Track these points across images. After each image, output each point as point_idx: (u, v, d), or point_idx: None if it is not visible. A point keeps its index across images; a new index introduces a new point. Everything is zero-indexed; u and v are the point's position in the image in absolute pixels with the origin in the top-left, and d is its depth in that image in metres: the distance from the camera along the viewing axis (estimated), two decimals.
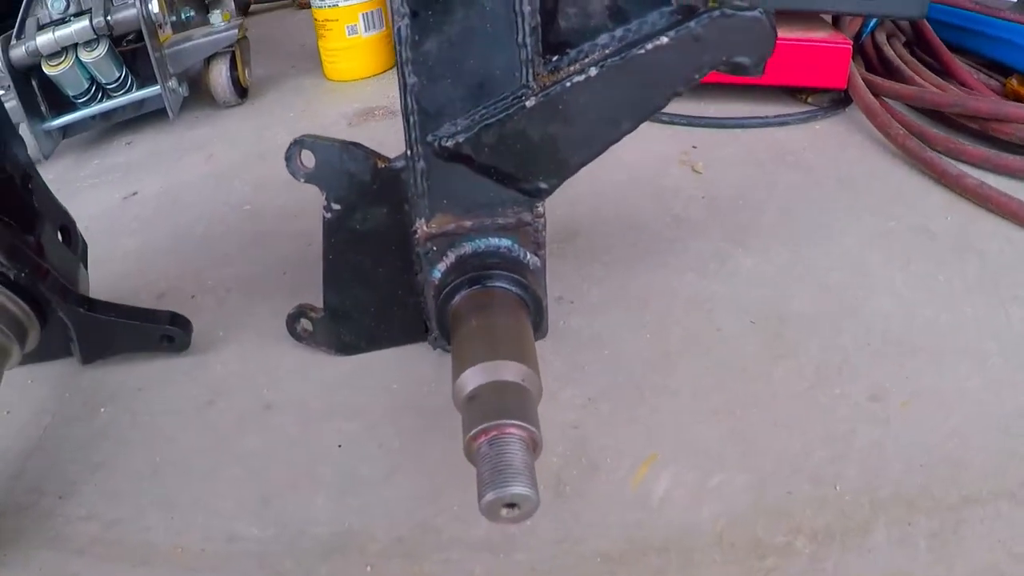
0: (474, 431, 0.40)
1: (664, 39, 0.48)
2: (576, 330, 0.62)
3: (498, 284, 0.52)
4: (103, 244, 0.80)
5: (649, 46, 0.48)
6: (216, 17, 1.08)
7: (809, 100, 0.95)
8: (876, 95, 0.91)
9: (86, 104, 1.05)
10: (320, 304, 0.60)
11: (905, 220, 0.74)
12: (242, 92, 1.14)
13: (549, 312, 0.59)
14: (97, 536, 0.51)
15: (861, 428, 0.52)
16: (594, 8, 0.51)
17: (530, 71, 0.49)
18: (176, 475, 0.54)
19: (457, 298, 0.52)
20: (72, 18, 1.00)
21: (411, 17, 0.48)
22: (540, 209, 0.54)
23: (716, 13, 0.48)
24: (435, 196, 0.53)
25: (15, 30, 1.02)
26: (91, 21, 0.98)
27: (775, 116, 0.91)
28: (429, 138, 0.51)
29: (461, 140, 0.50)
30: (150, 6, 1.01)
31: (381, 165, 0.54)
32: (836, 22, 1.00)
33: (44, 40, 0.98)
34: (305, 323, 0.61)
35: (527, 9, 0.48)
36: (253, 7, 1.65)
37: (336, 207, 0.55)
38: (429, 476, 0.51)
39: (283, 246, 0.76)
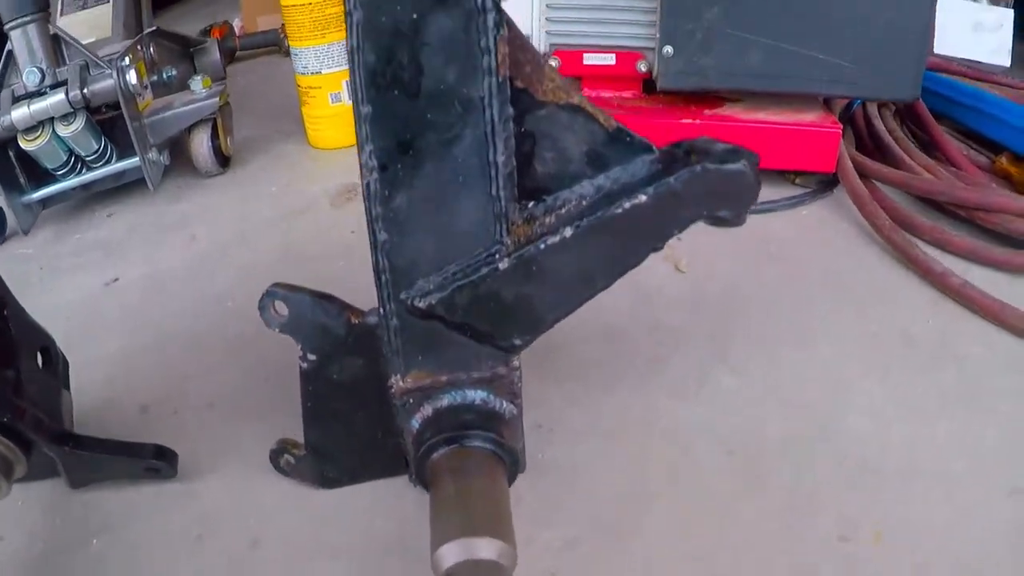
0: None
1: (643, 197, 0.49)
2: (554, 462, 0.64)
3: (475, 444, 0.53)
4: (85, 341, 0.82)
5: (627, 204, 0.49)
6: (197, 84, 1.09)
7: (797, 181, 0.96)
8: (865, 177, 0.92)
9: (65, 176, 1.06)
10: (302, 437, 0.62)
11: (887, 323, 0.75)
12: (224, 161, 1.15)
13: (528, 442, 0.60)
14: None
15: (827, 569, 0.54)
16: (572, 154, 0.52)
17: (504, 225, 0.50)
18: None
19: (435, 456, 0.53)
20: (48, 90, 1.01)
21: (380, 171, 0.49)
22: (516, 362, 0.55)
23: (698, 168, 0.49)
24: (409, 353, 0.54)
25: None
26: (67, 94, 0.99)
27: (762, 203, 0.92)
28: (402, 296, 0.52)
29: (434, 301, 0.51)
30: (128, 77, 1.01)
31: (355, 320, 0.55)
32: (826, 99, 1.01)
33: (19, 115, 0.99)
34: (288, 457, 0.62)
35: (501, 159, 0.49)
36: (239, 53, 1.65)
37: (312, 358, 0.56)
38: None
39: (265, 352, 0.77)
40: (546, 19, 0.95)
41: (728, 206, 0.50)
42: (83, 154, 1.05)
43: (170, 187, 1.13)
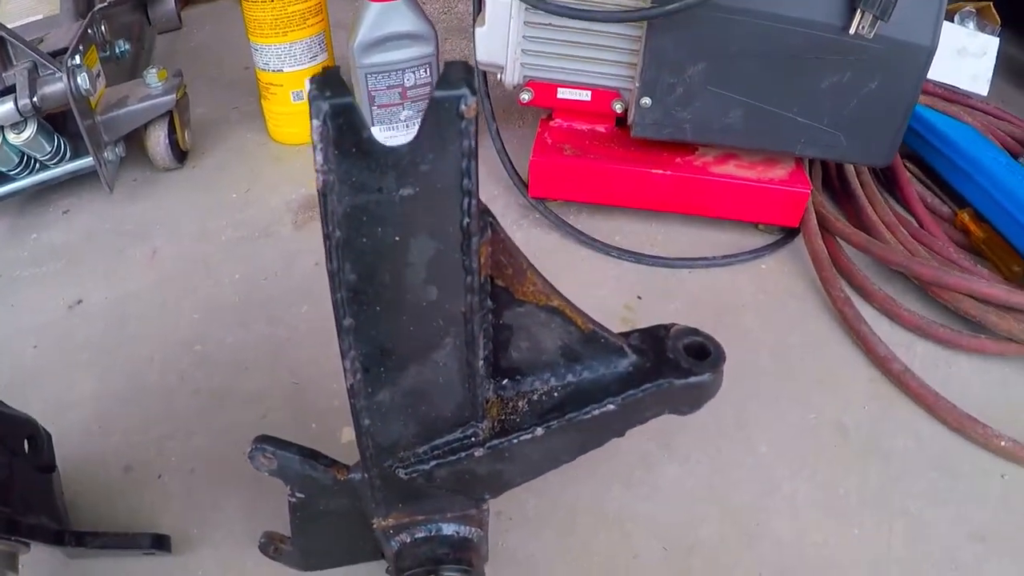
0: None
1: (611, 406, 0.56)
2: (511, 551, 0.74)
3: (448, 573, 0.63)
4: (56, 379, 0.87)
5: (596, 412, 0.57)
6: (152, 77, 1.07)
7: (760, 227, 1.02)
8: (826, 230, 0.98)
9: (19, 176, 1.05)
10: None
11: (825, 412, 0.85)
12: (181, 156, 1.14)
13: (490, 528, 0.70)
14: None
15: None
16: (547, 347, 0.59)
17: (479, 410, 0.57)
18: None
19: None
20: None
21: (363, 373, 0.55)
22: (485, 506, 0.64)
23: (665, 384, 0.56)
24: (390, 502, 0.62)
25: None
26: (16, 103, 0.97)
27: (725, 256, 0.98)
28: (385, 464, 0.59)
29: (415, 473, 0.59)
30: (79, 80, 0.99)
31: (340, 477, 0.62)
32: None
33: None
34: (273, 548, 0.71)
35: (480, 362, 0.55)
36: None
37: (300, 495, 0.64)
38: None
39: (240, 413, 0.84)
40: (522, 51, 0.95)
41: (689, 406, 0.58)
42: (37, 156, 1.04)
43: (127, 182, 1.13)
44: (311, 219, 1.06)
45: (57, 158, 1.06)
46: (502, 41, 0.95)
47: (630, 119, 0.96)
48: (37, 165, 1.06)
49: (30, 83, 0.99)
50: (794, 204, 0.97)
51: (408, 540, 0.65)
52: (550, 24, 0.93)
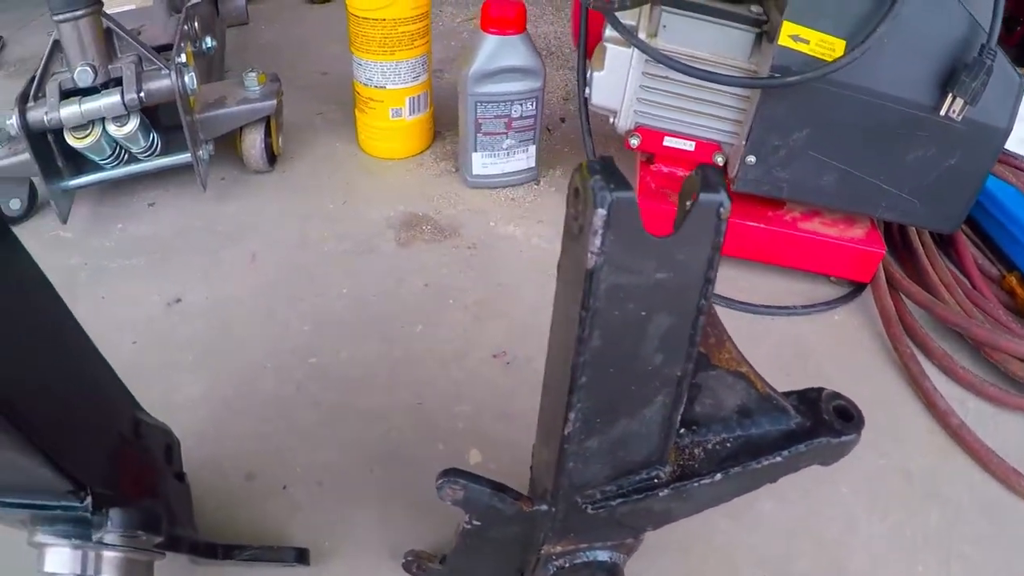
0: None
1: (779, 458, 0.66)
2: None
3: None
4: (161, 379, 0.90)
5: (767, 462, 0.66)
6: (251, 80, 1.10)
7: (832, 279, 1.13)
8: (892, 287, 1.10)
9: (110, 167, 1.08)
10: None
11: (894, 457, 0.96)
12: (272, 159, 1.18)
13: None
14: None
15: None
16: (727, 405, 0.67)
17: (664, 456, 0.66)
18: None
19: None
20: (101, 89, 1.01)
21: (582, 423, 0.62)
22: (642, 536, 0.72)
23: (822, 441, 0.66)
24: (564, 531, 0.70)
25: (32, 89, 1.02)
26: (123, 97, 1.00)
27: (802, 306, 1.09)
28: (574, 499, 0.67)
29: (600, 509, 0.67)
30: (186, 79, 1.02)
31: (526, 509, 0.69)
32: None
33: (69, 113, 1.01)
34: (415, 567, 0.78)
35: (678, 417, 0.64)
36: None
37: (476, 523, 0.70)
38: None
39: (363, 429, 0.89)
40: (638, 99, 1.03)
41: (833, 459, 0.68)
42: (132, 149, 1.06)
43: (215, 181, 1.16)
44: (414, 238, 1.12)
45: (149, 152, 1.09)
46: (619, 88, 1.03)
47: (731, 173, 1.06)
48: (128, 158, 1.09)
49: (137, 77, 1.02)
50: (869, 262, 1.08)
51: (566, 565, 0.73)
52: (667, 77, 1.01)
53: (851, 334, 1.10)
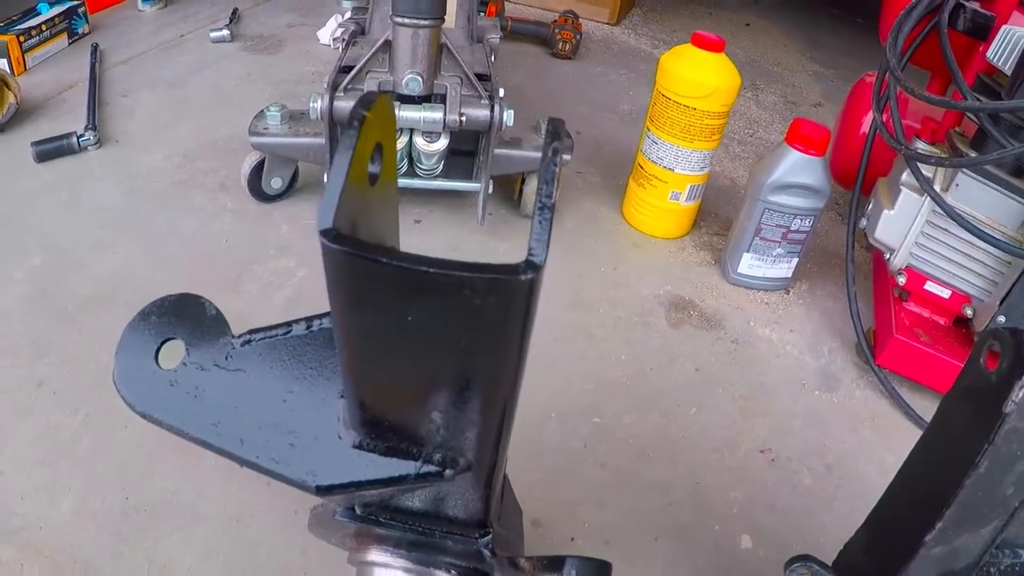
0: None
1: None
2: None
3: None
4: None
5: None
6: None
7: None
8: None
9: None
10: None
11: None
12: None
13: None
14: None
15: None
16: None
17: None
18: None
19: None
20: (419, 101, 1.12)
21: (940, 532, 0.74)
22: None
23: None
24: None
25: (347, 80, 1.13)
26: (445, 115, 1.10)
27: None
28: None
29: None
30: (504, 116, 1.14)
31: None
32: None
33: None
34: None
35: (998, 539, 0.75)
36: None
37: None
38: None
39: (645, 497, 0.98)
40: (916, 242, 1.16)
41: None
42: (423, 165, 1.17)
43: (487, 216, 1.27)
44: (682, 321, 1.23)
45: (433, 173, 1.20)
46: (903, 230, 1.16)
47: (977, 326, 1.18)
48: (411, 173, 1.20)
49: (459, 99, 1.13)
50: None
51: None
52: (947, 230, 1.15)
53: None
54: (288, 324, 0.65)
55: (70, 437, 0.96)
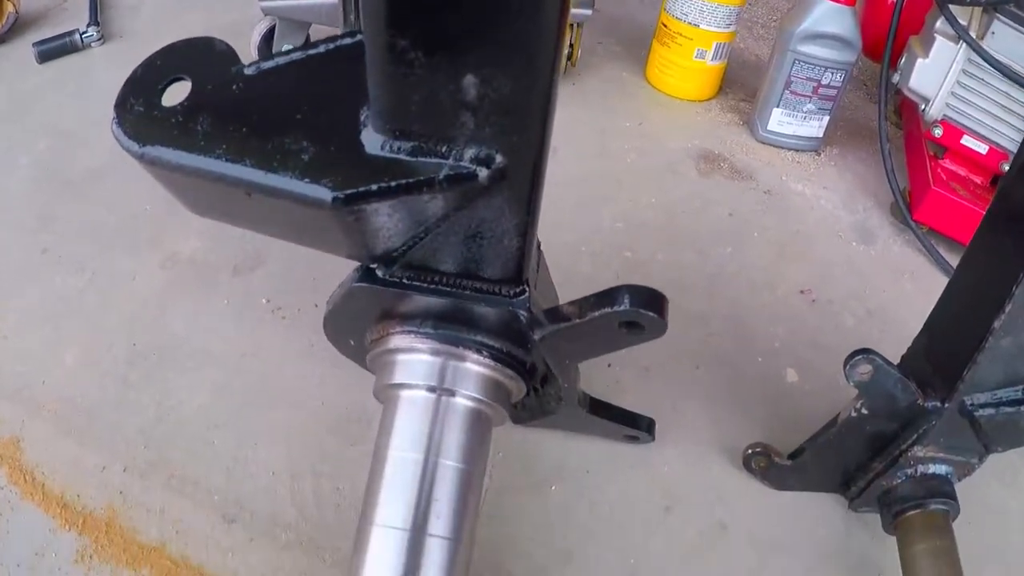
0: None
1: None
2: None
3: (939, 508, 0.76)
4: None
5: None
6: None
7: None
8: None
9: None
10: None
11: None
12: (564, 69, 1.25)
13: None
14: None
15: None
16: None
17: None
18: None
19: (911, 511, 0.76)
20: None
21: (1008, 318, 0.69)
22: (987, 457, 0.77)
23: None
24: (938, 434, 0.75)
25: None
26: None
27: None
28: (963, 399, 0.73)
29: (979, 415, 0.72)
30: None
31: (920, 403, 0.74)
32: None
33: None
34: (759, 460, 0.83)
35: None
36: None
37: (864, 412, 0.75)
38: None
39: (685, 329, 0.94)
40: (951, 92, 1.12)
41: None
42: None
43: None
44: (712, 171, 1.18)
45: None
46: (938, 79, 1.10)
47: None
48: None
49: None
50: None
51: (916, 474, 0.77)
52: (984, 80, 1.10)
53: None
54: (307, 46, 0.60)
55: (75, 295, 0.91)
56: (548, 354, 0.68)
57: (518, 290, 0.65)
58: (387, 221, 0.58)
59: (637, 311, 0.61)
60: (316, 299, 0.90)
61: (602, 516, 0.78)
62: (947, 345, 0.76)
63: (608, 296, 0.63)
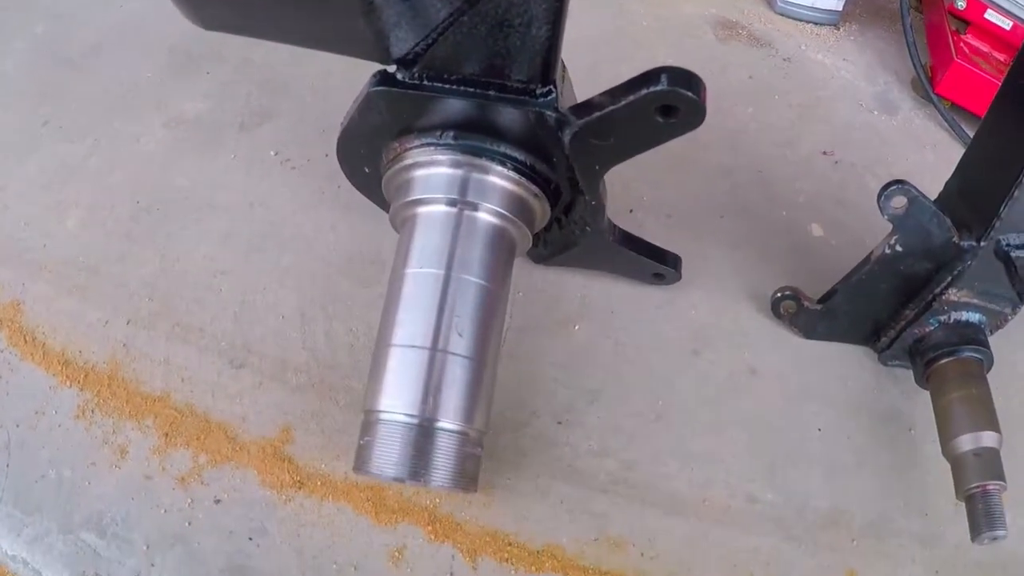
0: (972, 484, 0.65)
1: None
2: None
3: (973, 355, 0.73)
4: None
5: None
6: None
7: None
8: None
9: None
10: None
11: None
12: None
13: None
14: (617, 476, 0.68)
15: None
16: None
17: None
18: (683, 424, 0.72)
19: (944, 360, 0.74)
20: None
21: None
22: (1020, 308, 0.75)
23: None
24: (972, 276, 0.72)
25: None
26: None
27: None
28: (999, 238, 0.70)
29: (1020, 256, 0.69)
30: None
31: (956, 240, 0.71)
32: None
33: None
34: (789, 304, 0.80)
35: None
36: None
37: (898, 249, 0.72)
38: (882, 475, 0.73)
39: (708, 181, 0.92)
40: None
41: None
42: None
43: None
44: (731, 37, 1.15)
45: None
46: None
47: None
48: None
49: None
50: None
51: (950, 320, 0.74)
52: None
53: None
54: None
55: (78, 161, 0.87)
56: (577, 158, 0.65)
57: (545, 90, 0.61)
58: None
59: (675, 90, 0.58)
60: (325, 149, 0.86)
61: (628, 357, 0.76)
62: (982, 183, 0.73)
63: (644, 78, 0.60)
